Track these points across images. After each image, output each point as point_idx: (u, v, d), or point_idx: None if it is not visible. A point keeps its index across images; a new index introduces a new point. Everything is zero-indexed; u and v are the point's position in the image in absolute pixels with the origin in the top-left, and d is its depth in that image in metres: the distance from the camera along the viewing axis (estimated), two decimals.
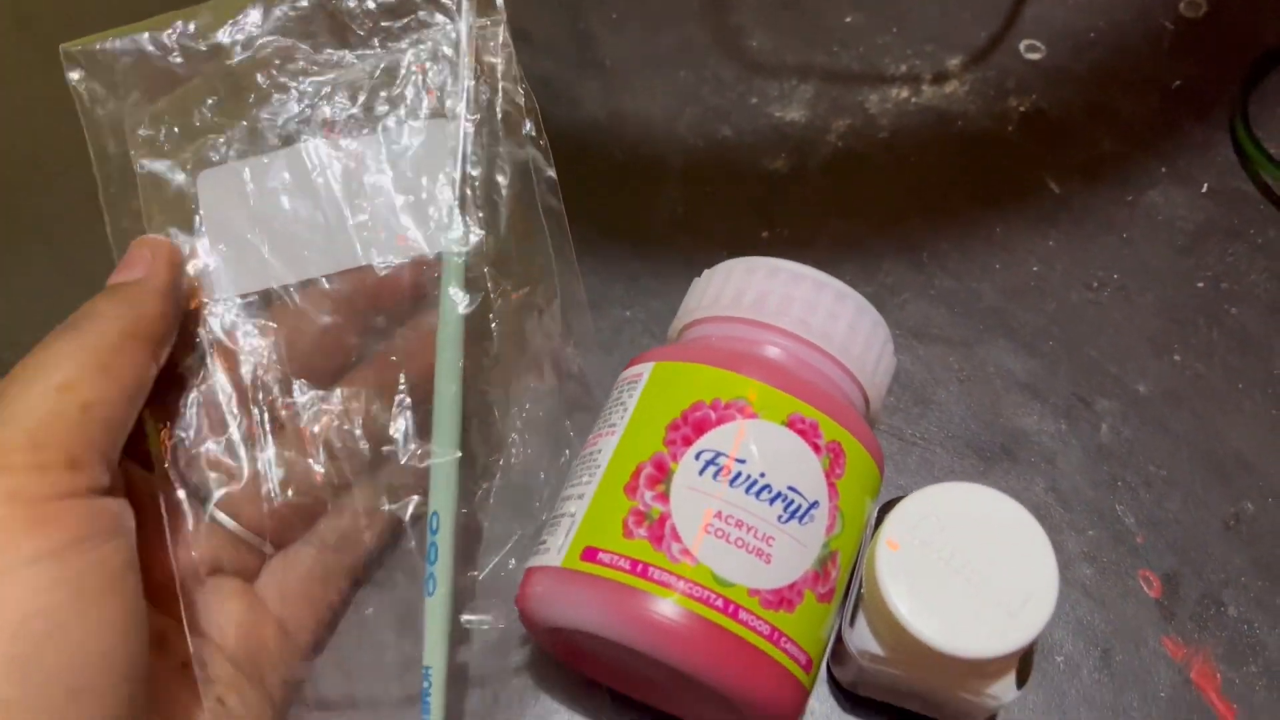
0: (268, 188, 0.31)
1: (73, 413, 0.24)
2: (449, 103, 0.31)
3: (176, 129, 0.31)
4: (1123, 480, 0.34)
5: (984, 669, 0.27)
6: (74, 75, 0.31)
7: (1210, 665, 0.32)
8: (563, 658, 0.30)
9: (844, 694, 0.31)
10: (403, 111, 0.31)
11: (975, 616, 0.26)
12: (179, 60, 0.31)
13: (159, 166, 0.31)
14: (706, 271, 0.31)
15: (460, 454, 0.30)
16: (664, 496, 0.26)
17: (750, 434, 0.27)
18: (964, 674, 0.27)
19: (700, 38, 0.42)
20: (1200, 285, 0.37)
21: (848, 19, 0.42)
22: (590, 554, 0.26)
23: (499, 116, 0.32)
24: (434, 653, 0.28)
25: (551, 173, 0.32)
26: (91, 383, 0.25)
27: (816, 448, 0.27)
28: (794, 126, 0.40)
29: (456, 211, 0.31)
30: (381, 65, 0.32)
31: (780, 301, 0.29)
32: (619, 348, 0.36)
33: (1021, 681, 0.27)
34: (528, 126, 0.32)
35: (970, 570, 0.26)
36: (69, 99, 0.31)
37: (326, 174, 0.31)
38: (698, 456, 0.26)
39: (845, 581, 0.28)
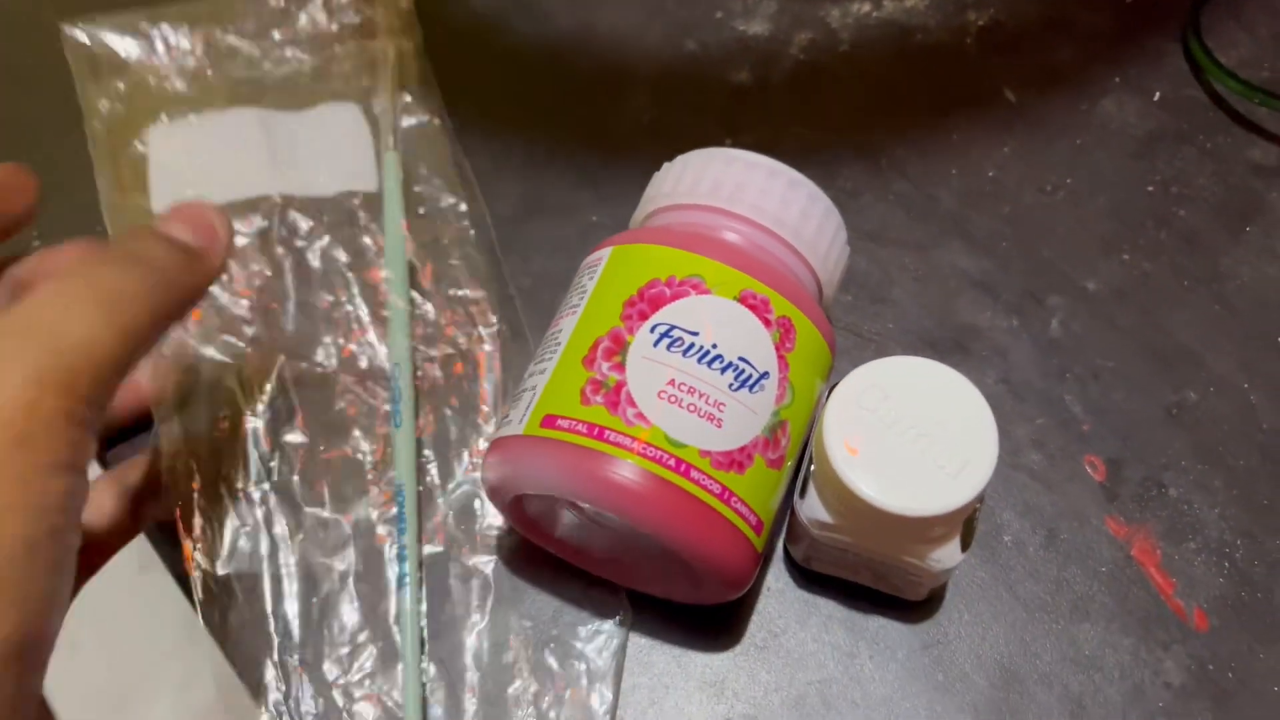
0: (214, 142, 0.36)
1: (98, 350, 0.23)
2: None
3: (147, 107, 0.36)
4: (1071, 372, 0.35)
5: (929, 532, 0.28)
6: (72, 53, 0.35)
7: (1151, 542, 0.33)
8: (527, 532, 0.31)
9: (799, 571, 0.32)
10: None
11: (919, 478, 0.27)
12: (167, 50, 0.37)
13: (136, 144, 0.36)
14: (665, 164, 0.32)
15: (410, 305, 0.34)
16: (620, 366, 0.27)
17: (703, 308, 0.28)
18: (910, 538, 0.28)
19: None
20: (1150, 189, 0.38)
21: None
22: (549, 421, 0.27)
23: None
24: (403, 469, 0.32)
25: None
26: (110, 331, 0.23)
27: (767, 322, 0.28)
28: (757, 40, 0.41)
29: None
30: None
31: (735, 188, 0.30)
32: (584, 251, 0.37)
33: (965, 546, 0.29)
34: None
35: (914, 435, 0.27)
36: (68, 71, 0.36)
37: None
38: (653, 329, 0.28)
39: (796, 453, 0.29)
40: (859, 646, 0.32)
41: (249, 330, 0.34)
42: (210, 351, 0.34)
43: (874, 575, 0.31)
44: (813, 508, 0.29)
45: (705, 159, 0.31)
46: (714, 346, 0.27)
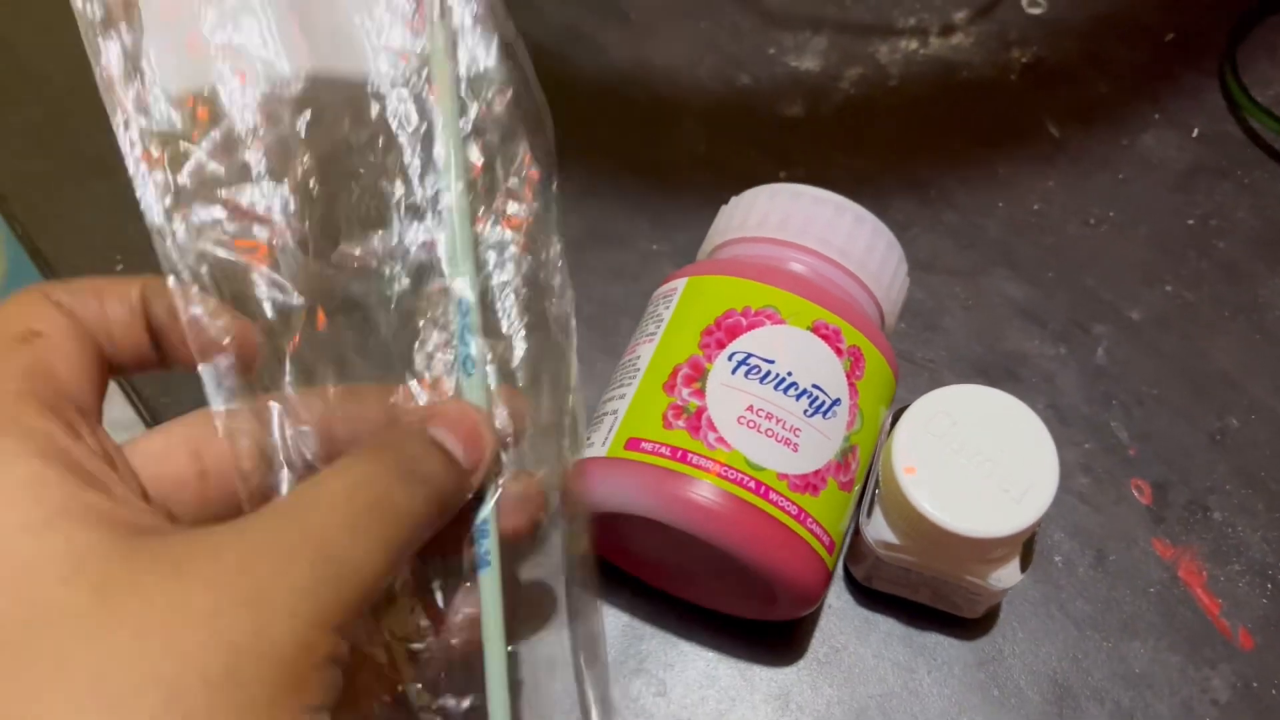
0: None
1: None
2: None
3: None
4: (1117, 398, 0.37)
5: (991, 552, 0.29)
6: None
7: (1196, 564, 0.34)
8: (603, 552, 0.32)
9: (859, 589, 0.34)
10: None
11: (983, 502, 0.28)
12: None
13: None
14: (733, 199, 0.34)
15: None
16: (700, 393, 0.28)
17: (779, 338, 0.29)
18: (973, 558, 0.30)
19: None
20: (1190, 221, 0.40)
21: None
22: (633, 444, 0.28)
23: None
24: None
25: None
26: (385, 557, 0.21)
27: (839, 351, 0.29)
28: (809, 75, 0.43)
29: None
30: None
31: (803, 222, 0.31)
32: (646, 278, 0.39)
33: (1025, 567, 0.30)
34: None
35: (979, 461, 0.29)
36: None
37: None
38: (730, 357, 0.29)
39: (863, 475, 0.30)
40: (917, 662, 0.33)
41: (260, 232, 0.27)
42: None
43: (933, 594, 0.32)
44: (879, 529, 0.30)
45: (771, 194, 0.32)
46: (789, 374, 0.29)
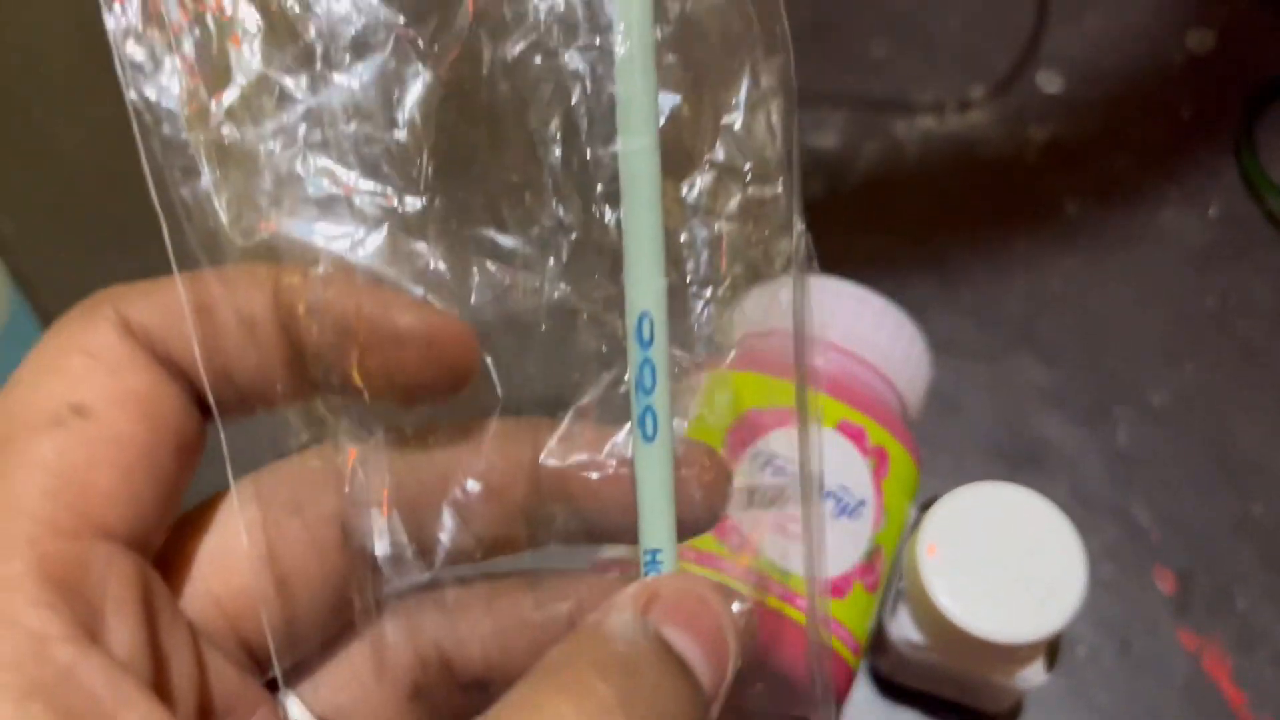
0: None
1: None
2: None
3: None
4: (1139, 483, 0.37)
5: (1016, 654, 0.29)
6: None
7: (1221, 654, 0.34)
8: None
9: (883, 683, 0.34)
10: None
11: (1010, 605, 0.28)
12: None
13: None
14: (755, 289, 0.34)
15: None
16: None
17: None
18: (998, 659, 0.29)
19: None
20: (1209, 301, 0.40)
21: (877, 51, 0.45)
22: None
23: None
24: (659, 528, 0.19)
25: None
26: None
27: (864, 451, 0.29)
28: (827, 152, 0.43)
29: None
30: None
31: (826, 316, 0.31)
32: None
33: (1050, 666, 0.30)
34: None
35: (1004, 562, 0.28)
36: None
37: None
38: (755, 458, 0.29)
39: (888, 574, 0.30)
40: None
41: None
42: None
43: (957, 689, 0.32)
44: (903, 628, 0.30)
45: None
46: None
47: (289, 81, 0.18)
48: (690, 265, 0.20)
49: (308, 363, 0.18)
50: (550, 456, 0.19)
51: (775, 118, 0.20)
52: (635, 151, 0.18)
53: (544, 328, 0.19)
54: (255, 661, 0.18)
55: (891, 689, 0.33)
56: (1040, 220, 0.41)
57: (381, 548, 0.19)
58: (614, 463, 0.19)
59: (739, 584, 0.27)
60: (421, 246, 0.18)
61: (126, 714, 0.15)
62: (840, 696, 0.29)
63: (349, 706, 0.19)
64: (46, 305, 0.41)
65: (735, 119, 0.19)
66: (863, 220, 0.41)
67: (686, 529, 0.20)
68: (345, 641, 0.19)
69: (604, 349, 0.19)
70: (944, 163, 0.43)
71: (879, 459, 0.29)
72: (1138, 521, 0.36)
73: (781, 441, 0.29)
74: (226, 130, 0.18)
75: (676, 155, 0.19)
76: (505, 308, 0.19)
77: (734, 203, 0.20)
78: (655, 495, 0.19)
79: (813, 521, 0.22)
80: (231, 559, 0.18)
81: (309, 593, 0.18)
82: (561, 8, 0.18)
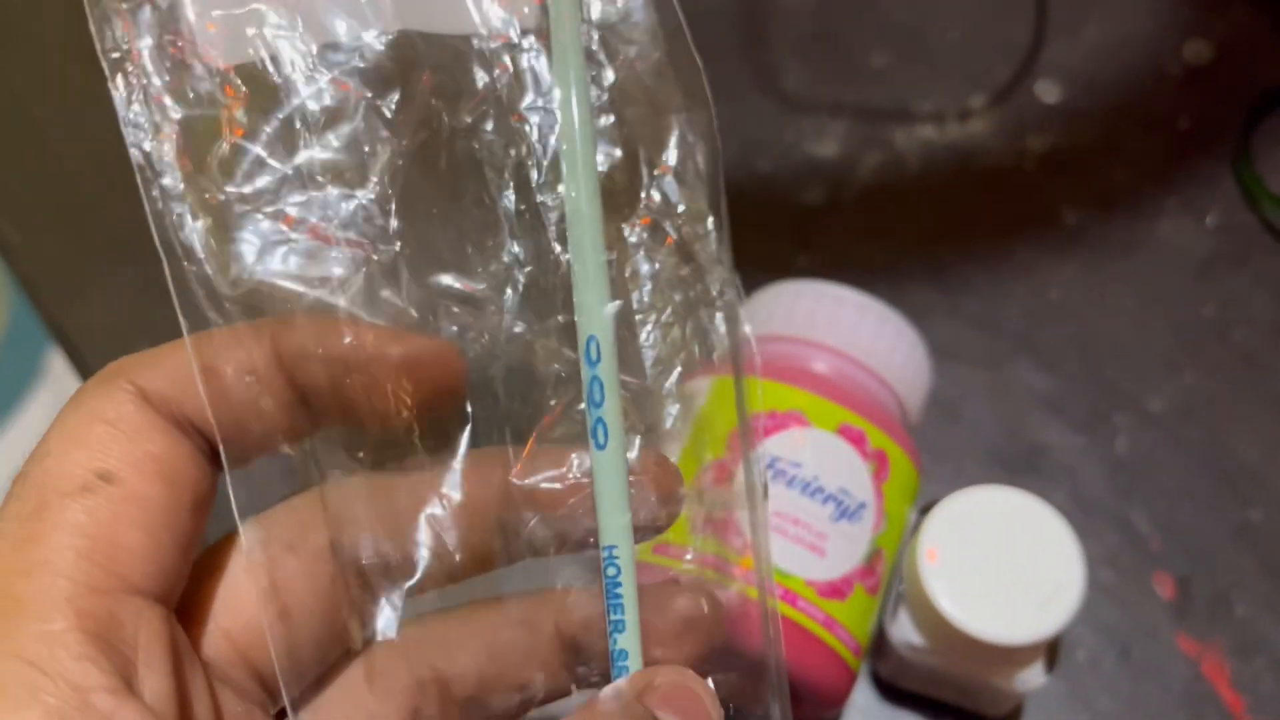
0: None
1: None
2: None
3: None
4: (1138, 490, 0.37)
5: (1016, 656, 0.29)
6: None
7: (1220, 659, 0.34)
8: None
9: (884, 687, 0.34)
10: None
11: (1010, 607, 0.28)
12: None
13: None
14: (756, 294, 0.34)
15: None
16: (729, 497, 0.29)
17: (804, 441, 0.29)
18: (998, 661, 0.29)
19: (739, 76, 0.45)
20: (1207, 310, 0.40)
21: (877, 61, 0.45)
22: (660, 548, 0.28)
23: None
24: (615, 525, 0.21)
25: None
26: None
27: (864, 454, 0.29)
28: (827, 161, 0.43)
29: None
30: None
31: (828, 322, 0.32)
32: None
33: (1050, 668, 0.30)
34: None
35: (1004, 564, 0.29)
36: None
37: None
38: (757, 460, 0.29)
39: (888, 577, 0.30)
40: None
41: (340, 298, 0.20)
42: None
43: (957, 692, 0.32)
44: (904, 630, 0.30)
45: (795, 293, 0.33)
46: (815, 478, 0.29)
47: (268, 149, 0.20)
48: (635, 296, 0.22)
49: (310, 403, 0.20)
50: (518, 475, 0.21)
51: (702, 166, 0.22)
52: (578, 195, 0.21)
53: (505, 358, 0.21)
54: (266, 692, 0.20)
55: (892, 693, 0.34)
56: (1039, 229, 0.42)
57: (368, 558, 0.20)
58: (575, 474, 0.21)
59: (741, 586, 0.27)
60: (390, 293, 0.21)
61: None
62: (840, 697, 0.29)
63: None
64: (51, 311, 0.42)
65: (667, 167, 0.22)
66: (863, 228, 0.42)
67: (646, 530, 0.21)
68: (346, 672, 0.21)
69: (561, 373, 0.22)
70: (944, 172, 0.43)
71: (879, 462, 0.30)
72: (1137, 528, 0.36)
73: (783, 444, 0.29)
74: (214, 189, 0.20)
75: (617, 200, 0.21)
76: (469, 342, 0.21)
77: (670, 241, 0.22)
78: (610, 497, 0.21)
79: (759, 531, 0.24)
80: (238, 597, 0.19)
81: (309, 622, 0.20)
82: (509, 74, 0.21)
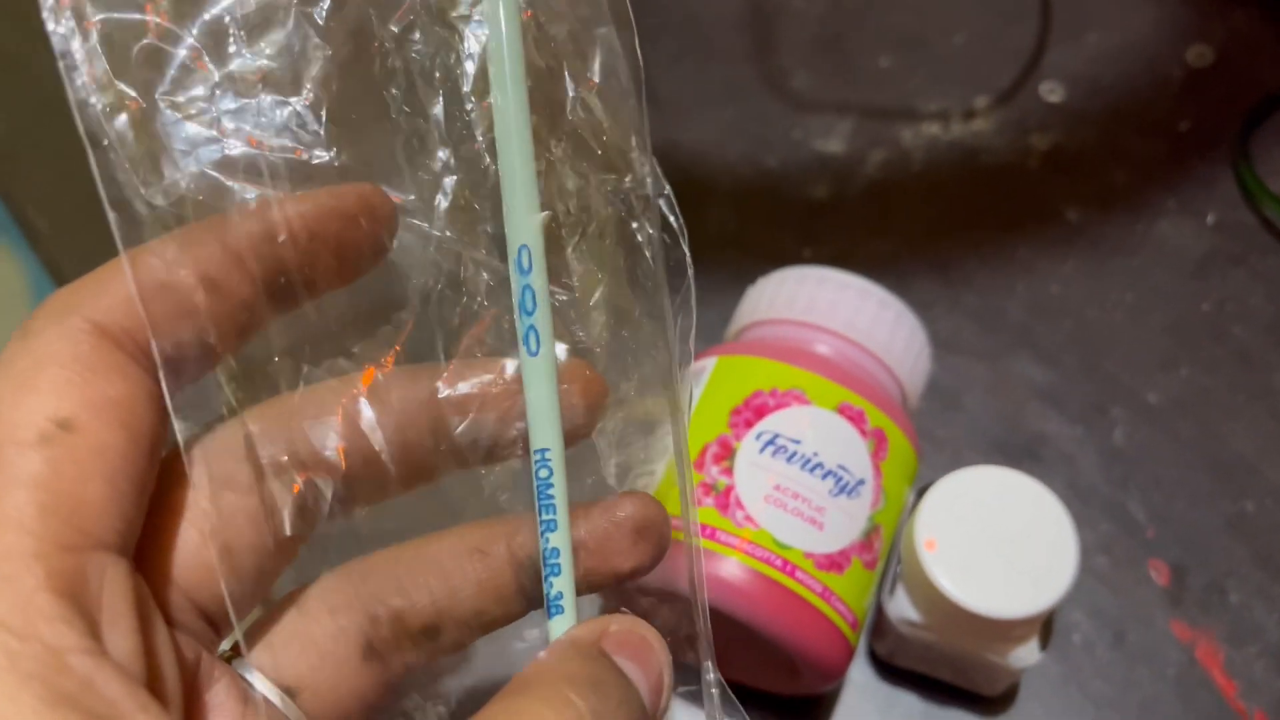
0: None
1: None
2: None
3: None
4: (1134, 480, 0.37)
5: (1011, 632, 0.30)
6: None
7: (1214, 646, 0.35)
8: None
9: (881, 666, 0.34)
10: None
11: (1005, 583, 0.29)
12: None
13: None
14: (761, 280, 0.35)
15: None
16: (729, 471, 0.29)
17: (805, 418, 0.30)
18: (993, 636, 0.30)
19: (748, 76, 0.46)
20: (1205, 307, 0.41)
21: (883, 62, 0.46)
22: None
23: None
24: (544, 428, 0.21)
25: None
26: None
27: (863, 432, 0.30)
28: (834, 158, 0.44)
29: None
30: None
31: (829, 306, 0.32)
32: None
33: (1044, 645, 0.31)
34: None
35: (999, 542, 0.29)
36: None
37: None
38: (758, 437, 0.30)
39: (886, 554, 0.31)
40: None
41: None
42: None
43: (953, 671, 0.33)
44: (901, 607, 0.31)
45: (799, 278, 0.33)
46: (815, 454, 0.29)
47: (197, 54, 0.20)
48: (560, 209, 0.22)
49: (268, 291, 0.19)
50: (447, 383, 0.22)
51: (626, 82, 0.22)
52: (506, 105, 0.21)
53: (435, 267, 0.22)
54: (214, 630, 0.20)
55: (890, 671, 0.34)
56: (1041, 226, 0.42)
57: (298, 468, 0.20)
58: (505, 381, 0.22)
59: (741, 557, 0.28)
60: None
61: (141, 718, 0.16)
62: (839, 670, 0.30)
63: (307, 674, 0.21)
64: None
65: (593, 83, 0.22)
66: (868, 224, 0.43)
67: (570, 435, 0.22)
68: (296, 607, 0.21)
69: (490, 282, 0.22)
70: (948, 169, 0.44)
71: (878, 441, 0.30)
72: (1133, 516, 0.37)
73: (784, 421, 0.30)
74: (141, 97, 0.19)
75: (543, 113, 0.21)
76: (398, 252, 0.21)
77: (595, 155, 0.22)
78: (541, 402, 0.21)
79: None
80: (178, 535, 0.19)
81: (252, 557, 0.20)
82: None
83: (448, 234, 0.22)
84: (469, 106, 0.21)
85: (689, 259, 0.24)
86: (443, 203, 0.22)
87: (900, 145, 0.44)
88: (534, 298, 0.21)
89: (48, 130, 0.47)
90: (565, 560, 0.21)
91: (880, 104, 0.45)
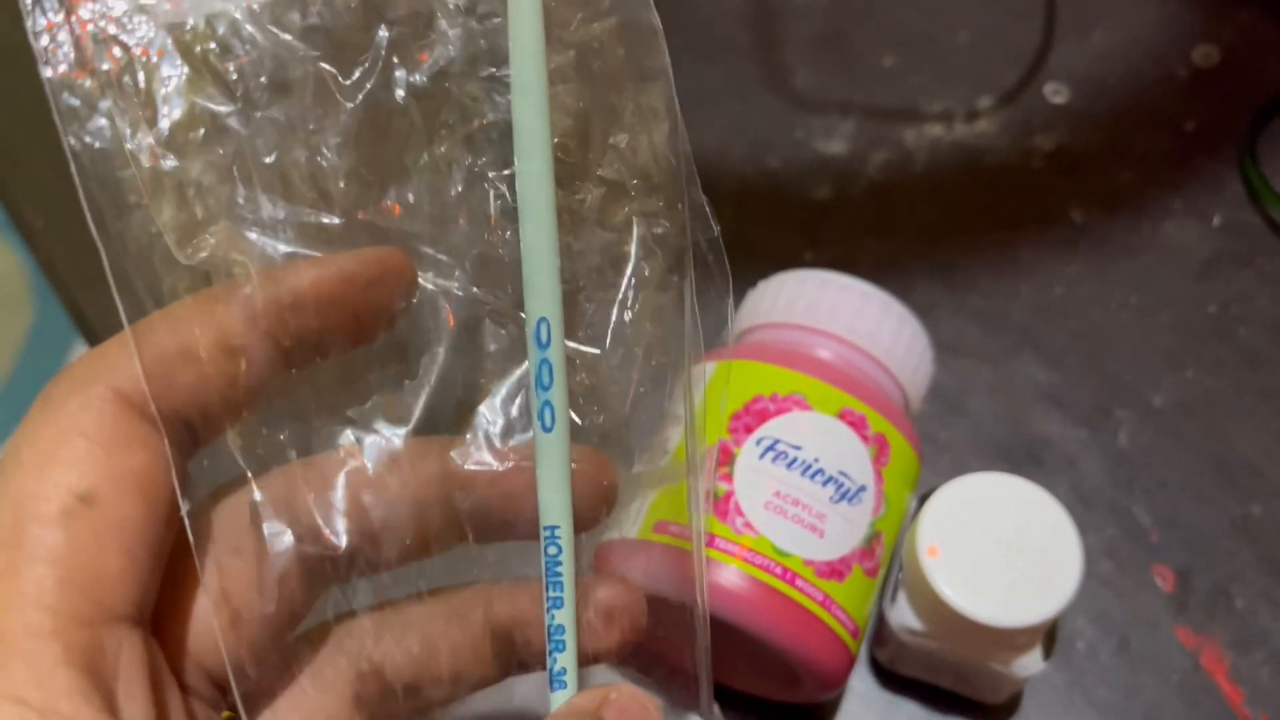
0: None
1: None
2: None
3: None
4: (1139, 483, 0.37)
5: (1014, 640, 0.30)
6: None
7: (1219, 652, 0.34)
8: None
9: (883, 674, 0.34)
10: None
11: (1008, 591, 0.29)
12: None
13: None
14: (761, 283, 0.34)
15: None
16: (728, 477, 0.29)
17: (806, 424, 0.30)
18: (996, 645, 0.30)
19: (750, 75, 0.46)
20: (1211, 308, 0.40)
21: (886, 62, 0.46)
22: (661, 526, 0.29)
23: None
24: (557, 506, 0.21)
25: None
26: None
27: (865, 438, 0.30)
28: (836, 159, 0.44)
29: None
30: None
31: (830, 309, 0.32)
32: None
33: (1047, 654, 0.30)
34: None
35: (1002, 550, 0.29)
36: None
37: None
38: (758, 443, 0.30)
39: (888, 560, 0.31)
40: None
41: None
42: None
43: (956, 679, 0.32)
44: (903, 614, 0.31)
45: (800, 280, 0.33)
46: (816, 460, 0.29)
47: (215, 116, 0.20)
48: (582, 270, 0.22)
49: (289, 354, 0.20)
50: (460, 457, 0.21)
51: (658, 138, 0.22)
52: (530, 172, 0.20)
53: (454, 327, 0.21)
54: (217, 690, 0.20)
55: (892, 679, 0.34)
56: (1045, 227, 0.42)
57: (307, 546, 0.20)
58: (516, 458, 0.21)
59: (741, 565, 0.28)
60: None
61: None
62: (839, 678, 0.29)
63: None
64: (76, 299, 0.43)
65: (621, 140, 0.21)
66: (871, 225, 0.42)
67: (578, 523, 0.22)
68: (291, 668, 0.21)
69: (508, 349, 0.22)
70: (951, 170, 0.43)
71: (880, 446, 0.30)
72: (1138, 521, 0.36)
73: (784, 427, 0.30)
74: (159, 164, 0.20)
75: (569, 171, 0.21)
76: (417, 308, 0.21)
77: (622, 214, 0.22)
78: (553, 479, 0.21)
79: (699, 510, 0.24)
80: (188, 602, 0.20)
81: (257, 624, 0.20)
82: (461, 43, 0.20)
83: (474, 290, 0.21)
84: (492, 174, 0.21)
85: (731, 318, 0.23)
86: (464, 266, 0.21)
87: (903, 146, 0.44)
88: (550, 372, 0.21)
89: (42, 127, 0.46)
90: (570, 637, 0.22)
91: (883, 104, 0.45)
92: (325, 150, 0.20)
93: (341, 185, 0.20)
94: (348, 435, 0.21)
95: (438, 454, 0.22)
